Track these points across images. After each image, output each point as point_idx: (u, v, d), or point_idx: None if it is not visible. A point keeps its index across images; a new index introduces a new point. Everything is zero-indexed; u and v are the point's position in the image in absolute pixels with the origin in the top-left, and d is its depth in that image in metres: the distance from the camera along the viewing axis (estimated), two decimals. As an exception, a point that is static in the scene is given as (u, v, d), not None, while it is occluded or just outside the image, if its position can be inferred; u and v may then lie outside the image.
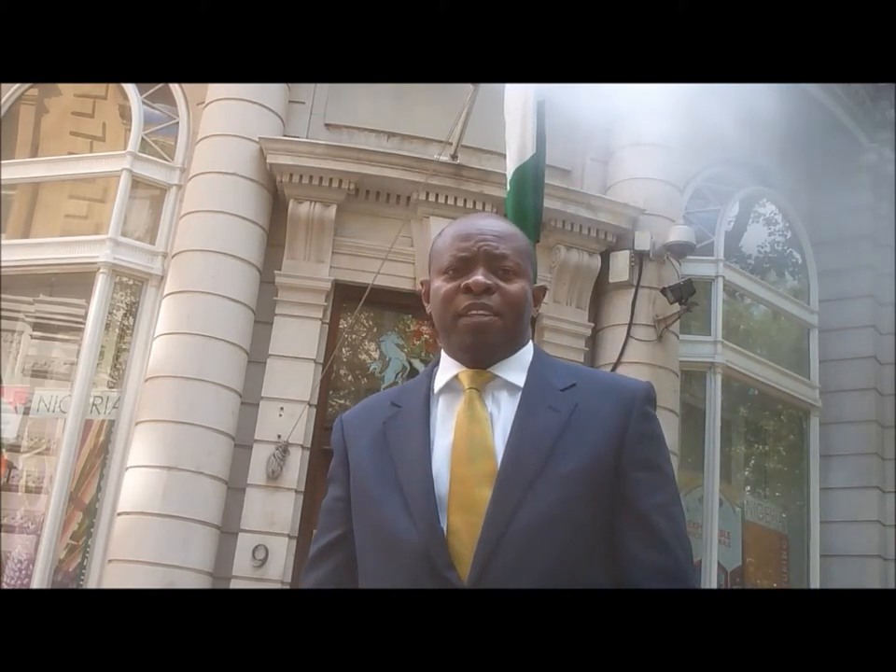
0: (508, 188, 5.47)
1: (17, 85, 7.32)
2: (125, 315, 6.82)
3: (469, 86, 6.04)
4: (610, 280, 6.99)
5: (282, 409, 6.30)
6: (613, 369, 6.69)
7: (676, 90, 5.36)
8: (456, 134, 6.46)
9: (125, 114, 7.22)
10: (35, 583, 6.03)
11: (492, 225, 1.55)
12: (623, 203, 6.99)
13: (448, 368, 1.55)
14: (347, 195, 6.64)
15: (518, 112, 5.43)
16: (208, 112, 6.75)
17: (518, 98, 5.43)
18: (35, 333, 6.94)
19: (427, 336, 6.86)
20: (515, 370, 1.52)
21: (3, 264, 6.45)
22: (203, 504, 5.93)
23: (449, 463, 1.45)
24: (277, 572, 5.99)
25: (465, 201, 6.69)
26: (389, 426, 1.54)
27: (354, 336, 7.04)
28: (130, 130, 7.04)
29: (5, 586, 6.11)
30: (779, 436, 8.64)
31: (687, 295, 6.63)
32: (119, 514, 5.98)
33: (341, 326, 6.77)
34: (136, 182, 6.90)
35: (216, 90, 6.73)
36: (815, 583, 7.71)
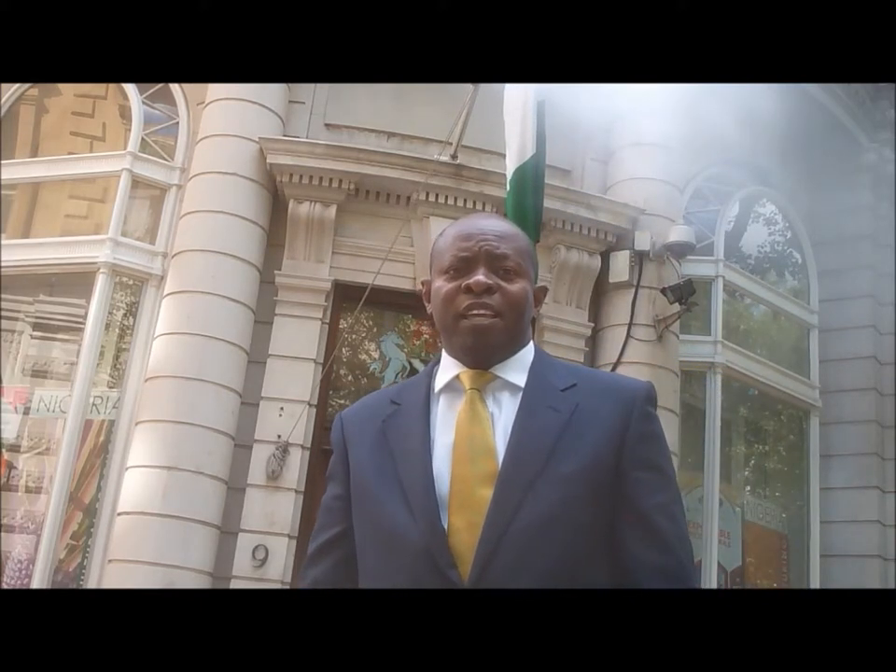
0: (508, 188, 5.47)
1: (17, 85, 7.32)
2: (125, 315, 6.82)
3: (469, 86, 6.04)
4: (610, 280, 6.99)
5: (282, 409, 6.30)
6: (613, 369, 6.69)
7: (676, 90, 5.36)
8: (456, 134, 6.46)
9: (125, 114, 7.22)
10: (35, 583, 6.03)
11: (493, 225, 1.55)
12: (622, 203, 6.99)
13: (449, 367, 1.55)
14: (347, 195, 6.64)
15: (518, 112, 5.43)
16: (208, 112, 6.75)
17: (518, 98, 5.43)
18: (35, 333, 6.94)
19: (427, 336, 6.86)
20: (516, 370, 1.52)
21: (3, 264, 6.45)
22: (203, 504, 5.93)
23: (450, 463, 1.45)
24: (277, 572, 5.99)
25: (465, 201, 6.69)
26: (389, 424, 1.54)
27: (354, 336, 7.04)
28: (130, 130, 7.04)
29: (5, 586, 6.11)
30: (779, 436, 8.64)
31: (687, 295, 6.63)
32: (118, 514, 5.98)
33: (341, 326, 6.77)
34: (136, 182, 6.90)
35: (216, 90, 6.73)
36: (815, 583, 7.71)
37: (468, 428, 1.47)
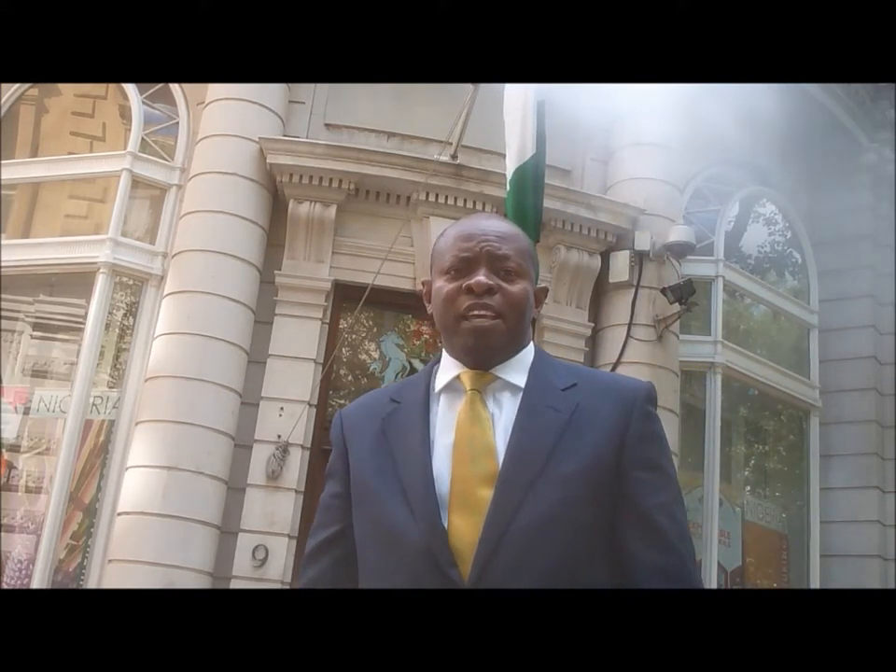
0: (508, 188, 5.47)
1: (17, 85, 7.32)
2: (125, 315, 6.82)
3: (469, 86, 6.04)
4: (610, 280, 6.99)
5: (282, 409, 6.30)
6: (613, 369, 6.69)
7: (676, 90, 5.36)
8: (456, 134, 6.46)
9: (125, 114, 7.22)
10: (35, 583, 6.03)
11: (494, 225, 1.55)
12: (622, 202, 6.99)
13: (449, 368, 1.55)
14: (347, 195, 6.64)
15: (518, 112, 5.43)
16: (208, 112, 6.75)
17: (518, 98, 5.43)
18: (35, 333, 6.94)
19: (427, 336, 6.86)
20: (517, 370, 1.52)
21: (3, 264, 6.45)
22: (203, 504, 5.93)
23: (450, 462, 1.45)
24: (277, 572, 5.99)
25: (465, 201, 6.69)
26: (389, 422, 1.54)
27: (354, 336, 7.04)
28: (130, 130, 7.04)
29: (5, 586, 6.11)
30: (779, 436, 8.64)
31: (687, 295, 6.63)
32: (118, 514, 5.98)
33: (341, 326, 6.77)
34: (136, 182, 6.90)
35: (216, 90, 6.73)
36: (815, 583, 7.71)
37: (468, 428, 1.47)
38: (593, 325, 7.01)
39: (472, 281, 1.48)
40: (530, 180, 5.39)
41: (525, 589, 1.34)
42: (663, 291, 6.76)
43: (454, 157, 6.62)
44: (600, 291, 7.10)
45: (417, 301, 1.66)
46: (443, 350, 1.59)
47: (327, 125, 7.04)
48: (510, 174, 5.44)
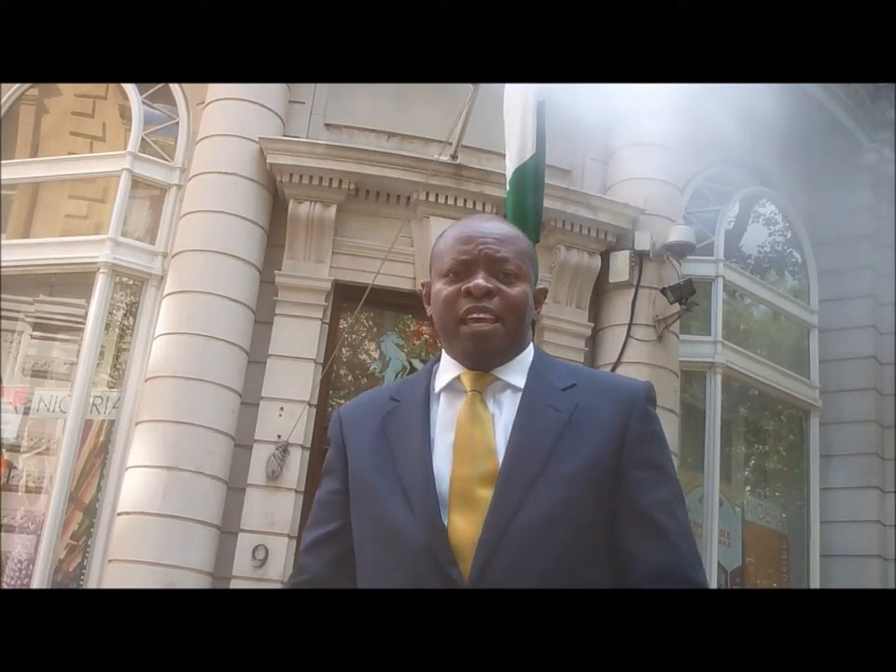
0: (508, 188, 5.46)
1: (17, 85, 7.32)
2: (125, 315, 6.82)
3: (469, 86, 6.04)
4: (610, 280, 6.99)
5: (282, 409, 6.31)
6: (613, 369, 6.69)
7: (676, 90, 5.36)
8: (456, 134, 6.46)
9: (125, 114, 7.22)
10: (35, 583, 6.03)
11: (493, 227, 1.54)
12: (622, 202, 6.99)
13: (449, 368, 1.55)
14: (347, 195, 6.64)
15: (518, 112, 5.42)
16: (208, 112, 6.75)
17: (518, 98, 5.43)
18: (35, 333, 6.94)
19: (427, 336, 6.86)
20: (516, 371, 1.53)
21: (3, 264, 6.45)
22: (203, 504, 5.93)
23: (450, 462, 1.45)
24: (277, 572, 5.99)
25: (465, 201, 6.69)
26: (388, 420, 1.54)
27: (354, 336, 7.04)
28: (130, 130, 7.04)
29: (5, 586, 6.11)
30: (779, 436, 8.64)
31: (687, 295, 6.63)
32: (118, 514, 5.98)
33: (341, 326, 6.78)
34: (136, 182, 6.90)
35: (216, 90, 6.73)
36: (815, 583, 7.71)
37: (468, 428, 1.47)
38: (593, 325, 7.01)
39: (471, 284, 1.48)
40: (530, 180, 5.38)
41: (525, 589, 1.34)
42: (663, 291, 6.75)
43: (454, 157, 6.62)
44: (600, 291, 7.10)
45: (417, 301, 1.66)
46: (443, 350, 1.59)
47: (327, 125, 7.04)
48: (509, 174, 5.44)
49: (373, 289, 6.14)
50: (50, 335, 6.94)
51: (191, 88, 7.08)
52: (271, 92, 6.73)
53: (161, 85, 7.07)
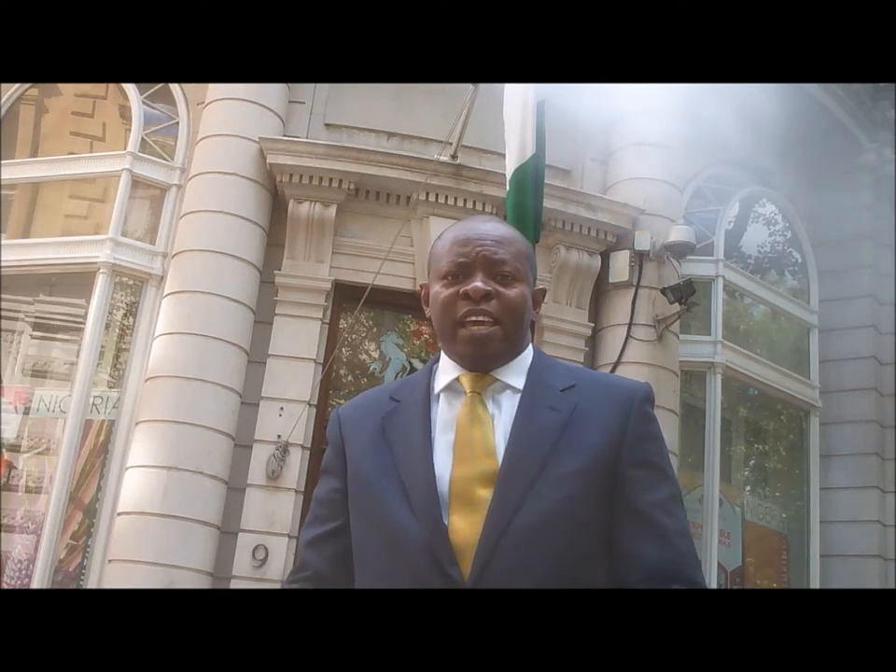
0: (507, 188, 5.46)
1: (17, 85, 7.32)
2: (125, 315, 6.82)
3: (469, 86, 6.04)
4: (610, 280, 7.00)
5: (282, 409, 6.31)
6: (613, 369, 6.70)
7: (676, 90, 5.37)
8: (456, 134, 6.46)
9: (125, 114, 7.23)
10: (35, 583, 6.03)
11: (491, 229, 1.54)
12: (622, 202, 6.99)
13: (448, 369, 1.55)
14: (347, 195, 6.64)
15: (518, 112, 5.42)
16: (208, 112, 6.75)
17: (518, 98, 5.42)
18: (35, 333, 6.94)
19: (427, 336, 6.86)
20: (516, 372, 1.53)
21: (3, 264, 6.45)
22: (203, 504, 5.93)
23: (450, 463, 1.45)
24: (277, 572, 5.99)
25: (465, 201, 6.70)
26: (388, 421, 1.54)
27: (354, 336, 7.04)
28: (130, 130, 7.04)
29: (5, 586, 6.11)
30: (779, 436, 8.64)
31: (687, 295, 6.63)
32: (119, 514, 5.98)
33: (341, 326, 6.78)
34: (136, 182, 6.90)
35: (216, 90, 6.73)
36: (815, 583, 7.71)
37: (468, 429, 1.47)
38: (593, 325, 7.01)
39: (469, 287, 1.48)
40: (530, 180, 5.38)
41: (526, 589, 1.34)
42: (663, 291, 6.76)
43: (454, 157, 6.62)
44: (600, 291, 7.10)
45: (417, 300, 1.66)
46: (442, 351, 1.59)
47: (327, 125, 7.04)
48: (509, 173, 5.43)
49: (373, 289, 6.14)
50: (50, 335, 6.94)
51: (191, 88, 7.09)
52: (271, 92, 6.73)
53: (160, 85, 7.07)
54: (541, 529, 1.39)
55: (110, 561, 5.89)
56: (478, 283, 1.48)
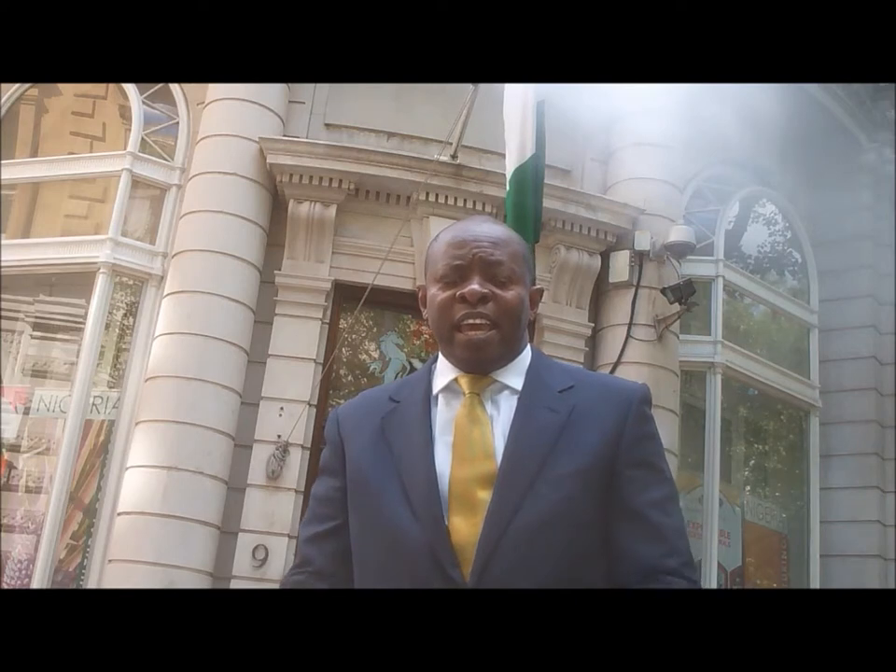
0: (507, 188, 5.46)
1: (17, 85, 7.32)
2: (125, 315, 6.82)
3: (469, 86, 6.04)
4: (610, 280, 6.99)
5: (282, 409, 6.31)
6: (613, 369, 6.69)
7: (676, 90, 5.37)
8: (456, 134, 6.46)
9: (125, 114, 7.22)
10: (35, 583, 6.03)
11: (487, 230, 1.53)
12: (622, 202, 6.98)
13: (447, 370, 1.55)
14: (347, 195, 6.64)
15: (518, 112, 5.42)
16: (208, 112, 6.75)
17: (518, 98, 5.42)
18: (35, 333, 6.94)
19: (427, 336, 6.86)
20: (514, 374, 1.53)
21: (3, 264, 6.45)
22: (203, 504, 5.93)
23: (449, 464, 1.45)
24: (277, 572, 5.99)
25: (465, 201, 6.69)
26: (388, 421, 1.53)
27: (354, 336, 7.04)
28: (130, 130, 7.03)
29: (5, 586, 6.11)
30: (779, 436, 8.64)
31: (687, 295, 6.63)
32: (119, 514, 5.98)
33: (341, 326, 6.77)
34: (136, 182, 6.90)
35: (216, 90, 6.73)
36: (815, 583, 7.71)
37: (467, 430, 1.47)
38: (593, 325, 7.01)
39: (466, 290, 1.47)
40: (530, 180, 5.38)
41: (527, 589, 1.34)
42: (663, 291, 6.75)
43: (454, 157, 6.62)
44: (600, 291, 7.10)
45: (417, 301, 1.66)
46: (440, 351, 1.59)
47: (327, 125, 7.04)
48: (509, 173, 5.43)
49: (373, 289, 6.13)
50: (50, 335, 6.94)
51: (191, 88, 7.08)
52: (271, 92, 6.73)
53: (160, 85, 7.07)
54: (541, 530, 1.39)
55: (110, 561, 5.89)
56: (474, 285, 1.47)
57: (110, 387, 6.61)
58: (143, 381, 6.32)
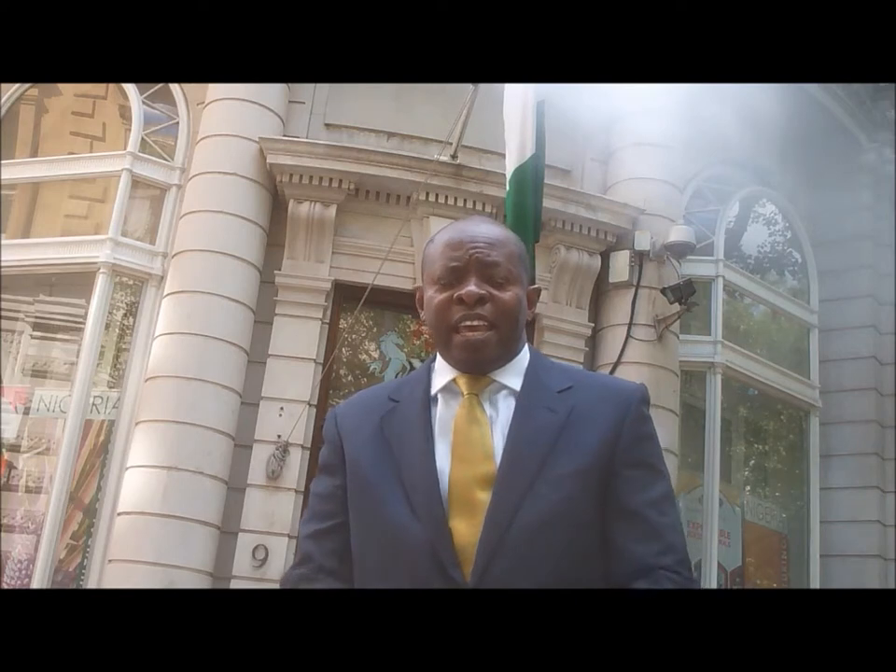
0: (507, 188, 5.46)
1: (17, 85, 7.32)
2: (125, 315, 6.82)
3: (469, 86, 6.04)
4: (610, 280, 6.99)
5: (282, 409, 6.31)
6: (613, 369, 6.69)
7: (676, 89, 5.37)
8: (456, 134, 6.45)
9: (125, 114, 7.22)
10: (35, 583, 6.03)
11: (483, 231, 1.53)
12: (622, 202, 6.98)
13: (445, 370, 1.55)
14: (347, 195, 6.64)
15: (518, 112, 5.42)
16: (208, 112, 6.75)
17: (518, 98, 5.42)
18: (35, 333, 6.94)
19: (427, 336, 6.86)
20: (513, 374, 1.53)
21: (3, 264, 6.45)
22: (203, 504, 5.93)
23: (449, 465, 1.45)
24: (277, 572, 5.98)
25: (465, 201, 6.69)
26: (387, 421, 1.53)
27: (354, 336, 7.04)
28: (130, 130, 7.03)
29: (5, 586, 6.11)
30: (779, 436, 8.64)
31: (687, 295, 6.63)
32: (119, 514, 5.98)
33: (341, 326, 6.77)
34: (136, 182, 6.90)
35: (216, 90, 6.73)
36: (815, 583, 7.71)
37: (466, 431, 1.47)
38: (593, 325, 7.01)
39: (463, 292, 1.47)
40: (530, 180, 5.38)
41: (527, 589, 1.34)
42: (663, 291, 6.75)
43: (454, 157, 6.62)
44: (600, 291, 7.10)
45: (415, 301, 1.66)
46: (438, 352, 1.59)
47: (327, 125, 7.04)
48: (509, 173, 5.43)
49: (373, 289, 6.13)
50: (50, 335, 6.94)
51: (191, 88, 7.08)
52: (271, 92, 6.73)
53: (160, 85, 7.07)
54: (541, 530, 1.39)
55: (110, 561, 5.89)
56: (471, 287, 1.47)
57: (110, 387, 6.61)
58: (143, 381, 6.32)
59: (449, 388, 1.53)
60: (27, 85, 7.37)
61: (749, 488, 8.22)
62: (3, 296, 6.51)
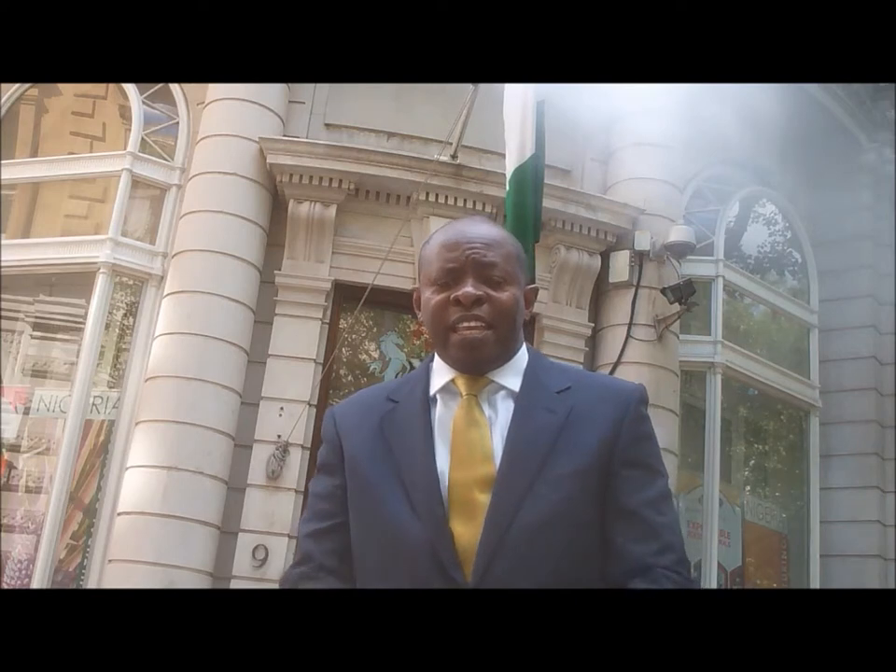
0: (507, 188, 5.46)
1: (17, 85, 7.32)
2: (125, 315, 6.82)
3: (469, 86, 6.04)
4: (610, 280, 6.99)
5: (282, 409, 6.31)
6: (613, 369, 6.69)
7: (676, 89, 5.37)
8: (456, 134, 6.45)
9: (125, 114, 7.22)
10: (35, 583, 6.03)
11: (479, 231, 1.53)
12: (622, 202, 6.98)
13: (444, 372, 1.55)
14: (347, 195, 6.64)
15: (517, 112, 5.42)
16: (208, 112, 6.75)
17: (518, 98, 5.42)
18: (35, 333, 6.94)
19: (427, 336, 6.86)
20: (511, 374, 1.52)
21: (3, 264, 6.45)
22: (203, 504, 5.93)
23: (448, 467, 1.45)
24: (277, 572, 5.98)
25: (465, 201, 6.69)
26: (387, 421, 1.53)
27: (354, 336, 7.04)
28: (130, 130, 7.03)
29: (5, 586, 6.11)
30: (779, 436, 8.64)
31: (687, 295, 6.63)
32: (119, 514, 5.98)
33: (341, 326, 6.77)
34: (136, 182, 6.90)
35: (216, 90, 6.73)
36: (815, 583, 7.71)
37: (465, 432, 1.47)
38: (593, 325, 7.01)
39: (460, 293, 1.47)
40: (530, 180, 5.38)
41: (527, 589, 1.34)
42: (663, 291, 6.75)
43: (454, 157, 6.62)
44: (600, 291, 7.10)
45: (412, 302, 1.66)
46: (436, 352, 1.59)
47: (327, 125, 7.04)
48: (509, 173, 5.43)
49: (373, 289, 6.13)
50: (50, 335, 6.94)
51: (191, 88, 7.08)
52: (271, 92, 6.73)
53: (160, 85, 7.07)
54: (541, 530, 1.39)
55: (110, 561, 5.89)
56: (469, 288, 1.47)
57: (110, 387, 6.61)
58: (143, 381, 6.32)
59: (448, 389, 1.53)
60: (27, 85, 7.37)
61: (748, 488, 8.23)
62: (3, 296, 6.51)
